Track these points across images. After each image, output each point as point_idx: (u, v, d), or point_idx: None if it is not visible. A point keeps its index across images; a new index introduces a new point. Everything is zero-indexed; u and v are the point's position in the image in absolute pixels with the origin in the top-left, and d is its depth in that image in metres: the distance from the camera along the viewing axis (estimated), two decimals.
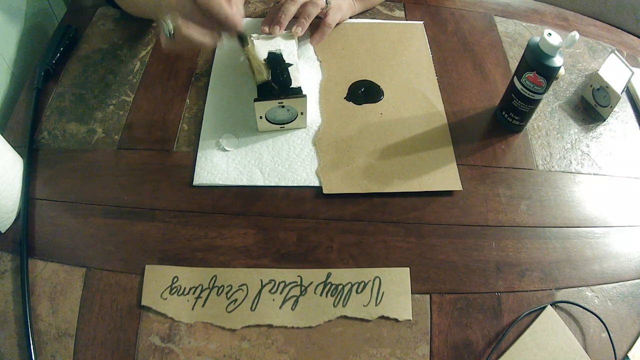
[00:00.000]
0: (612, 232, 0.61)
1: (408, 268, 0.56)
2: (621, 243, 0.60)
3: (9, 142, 0.60)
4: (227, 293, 0.54)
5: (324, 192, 0.61)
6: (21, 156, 0.63)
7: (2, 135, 0.59)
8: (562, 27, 0.85)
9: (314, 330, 0.52)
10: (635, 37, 0.87)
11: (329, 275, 0.55)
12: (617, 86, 0.68)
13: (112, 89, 0.71)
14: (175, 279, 0.54)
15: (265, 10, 0.81)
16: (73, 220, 0.59)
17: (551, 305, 0.55)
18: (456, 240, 0.59)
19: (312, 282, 0.55)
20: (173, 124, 0.67)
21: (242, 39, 0.59)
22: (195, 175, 0.62)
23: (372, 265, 0.56)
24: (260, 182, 0.61)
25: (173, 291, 0.54)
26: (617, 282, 0.57)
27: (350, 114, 0.68)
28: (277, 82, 0.62)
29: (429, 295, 0.55)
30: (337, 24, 0.77)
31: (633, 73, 0.68)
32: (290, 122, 0.65)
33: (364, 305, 0.53)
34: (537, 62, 0.58)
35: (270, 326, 0.52)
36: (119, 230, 0.58)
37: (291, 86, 0.62)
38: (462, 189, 0.62)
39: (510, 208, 0.62)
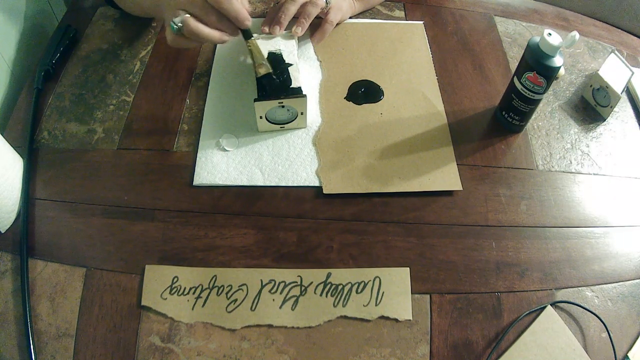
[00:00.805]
0: (612, 232, 0.61)
1: (408, 268, 0.56)
2: (621, 243, 0.60)
3: (9, 142, 0.60)
4: (227, 293, 0.54)
5: (324, 192, 0.61)
6: (21, 156, 0.63)
7: (2, 135, 0.59)
8: (562, 27, 0.85)
9: (314, 330, 0.52)
10: (635, 37, 0.87)
11: (329, 275, 0.55)
12: (617, 86, 0.68)
13: (112, 89, 0.71)
14: (175, 279, 0.54)
15: (265, 10, 0.81)
16: (73, 220, 0.59)
17: (551, 305, 0.55)
18: (456, 240, 0.59)
19: (312, 282, 0.55)
20: (173, 124, 0.67)
21: (247, 32, 0.60)
22: (195, 175, 0.62)
23: (372, 265, 0.56)
24: (260, 182, 0.61)
25: (173, 291, 0.54)
26: (617, 282, 0.57)
27: (350, 114, 0.68)
28: (281, 82, 0.62)
29: (429, 295, 0.55)
30: (337, 24, 0.77)
31: (633, 73, 0.68)
32: (290, 122, 0.65)
33: (364, 305, 0.53)
34: (537, 62, 0.58)
35: (270, 326, 0.52)
36: (119, 230, 0.58)
37: (291, 86, 0.62)
38: (462, 189, 0.62)
39: (510, 208, 0.62)
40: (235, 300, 0.53)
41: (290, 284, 0.54)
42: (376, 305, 0.53)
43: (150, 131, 0.66)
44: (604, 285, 0.57)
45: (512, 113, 0.66)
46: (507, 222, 0.60)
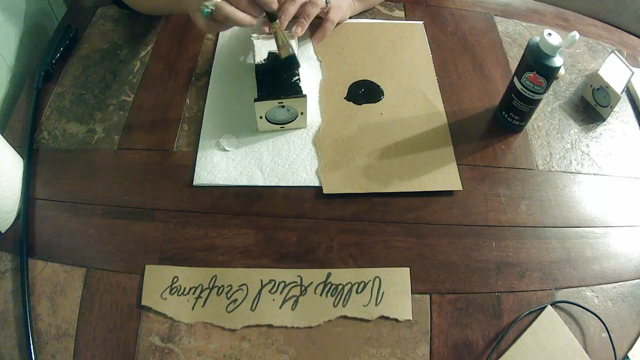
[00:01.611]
0: (612, 232, 0.61)
1: (408, 268, 0.56)
2: (621, 243, 0.60)
3: (9, 142, 0.60)
4: (227, 293, 0.54)
5: (324, 192, 0.61)
6: (21, 156, 0.63)
7: (2, 135, 0.59)
8: (562, 27, 0.85)
9: (314, 330, 0.52)
10: (635, 37, 0.87)
11: (329, 275, 0.55)
12: (617, 86, 0.68)
13: (112, 89, 0.71)
14: (175, 279, 0.54)
15: None
16: (73, 220, 0.59)
17: (551, 305, 0.55)
18: (456, 240, 0.59)
19: (312, 282, 0.55)
20: (173, 124, 0.67)
21: (272, 15, 0.61)
22: (195, 175, 0.62)
23: (372, 265, 0.56)
24: (260, 182, 0.61)
25: (173, 291, 0.54)
26: (617, 282, 0.57)
27: (350, 114, 0.68)
28: (281, 82, 0.62)
29: (429, 295, 0.55)
30: (337, 24, 0.78)
31: (633, 73, 0.68)
32: (290, 122, 0.65)
33: (364, 305, 0.53)
34: (537, 62, 0.58)
35: (270, 326, 0.52)
36: (119, 230, 0.58)
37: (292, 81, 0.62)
38: (462, 189, 0.62)
39: (510, 208, 0.62)
40: (235, 300, 0.53)
41: (290, 284, 0.54)
42: (376, 305, 0.53)
43: (150, 131, 0.66)
44: (604, 285, 0.57)
45: (512, 113, 0.66)
46: (507, 222, 0.60)
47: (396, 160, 0.64)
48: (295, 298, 0.54)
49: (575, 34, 0.55)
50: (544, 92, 0.61)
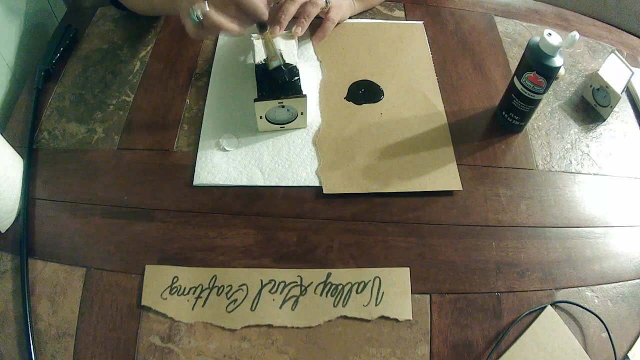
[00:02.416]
0: (612, 232, 0.61)
1: (408, 268, 0.56)
2: (621, 243, 0.60)
3: (9, 142, 0.60)
4: (227, 293, 0.54)
5: (324, 192, 0.61)
6: (21, 156, 0.63)
7: (2, 135, 0.59)
8: (562, 27, 0.85)
9: (314, 330, 0.52)
10: (635, 37, 0.87)
11: (329, 275, 0.55)
12: (617, 86, 0.68)
13: (112, 89, 0.71)
14: (175, 279, 0.54)
15: None
16: (73, 220, 0.59)
17: (551, 305, 0.55)
18: (456, 240, 0.59)
19: (312, 282, 0.55)
20: (173, 124, 0.67)
21: (262, 26, 0.61)
22: (195, 175, 0.62)
23: (372, 265, 0.56)
24: (260, 182, 0.61)
25: (173, 291, 0.54)
26: (617, 282, 0.57)
27: (350, 114, 0.68)
28: (283, 83, 0.62)
29: (429, 295, 0.55)
30: (337, 24, 0.78)
31: (633, 73, 0.68)
32: (290, 122, 0.65)
33: (364, 305, 0.53)
34: (537, 62, 0.58)
35: (270, 326, 0.52)
36: (119, 230, 0.58)
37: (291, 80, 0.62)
38: (462, 189, 0.62)
39: (510, 208, 0.62)
40: (235, 300, 0.53)
41: (290, 284, 0.54)
42: (376, 305, 0.53)
43: (150, 131, 0.66)
44: (604, 285, 0.57)
45: (512, 113, 0.66)
46: (507, 222, 0.60)
47: (396, 160, 0.64)
48: (295, 298, 0.54)
49: (575, 34, 0.55)
50: (544, 92, 0.61)
